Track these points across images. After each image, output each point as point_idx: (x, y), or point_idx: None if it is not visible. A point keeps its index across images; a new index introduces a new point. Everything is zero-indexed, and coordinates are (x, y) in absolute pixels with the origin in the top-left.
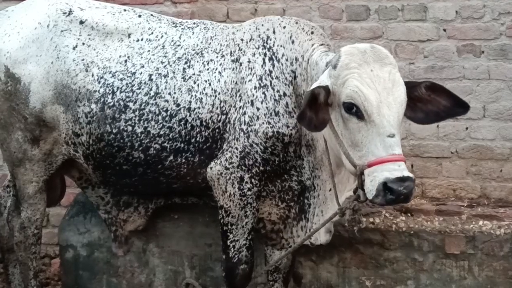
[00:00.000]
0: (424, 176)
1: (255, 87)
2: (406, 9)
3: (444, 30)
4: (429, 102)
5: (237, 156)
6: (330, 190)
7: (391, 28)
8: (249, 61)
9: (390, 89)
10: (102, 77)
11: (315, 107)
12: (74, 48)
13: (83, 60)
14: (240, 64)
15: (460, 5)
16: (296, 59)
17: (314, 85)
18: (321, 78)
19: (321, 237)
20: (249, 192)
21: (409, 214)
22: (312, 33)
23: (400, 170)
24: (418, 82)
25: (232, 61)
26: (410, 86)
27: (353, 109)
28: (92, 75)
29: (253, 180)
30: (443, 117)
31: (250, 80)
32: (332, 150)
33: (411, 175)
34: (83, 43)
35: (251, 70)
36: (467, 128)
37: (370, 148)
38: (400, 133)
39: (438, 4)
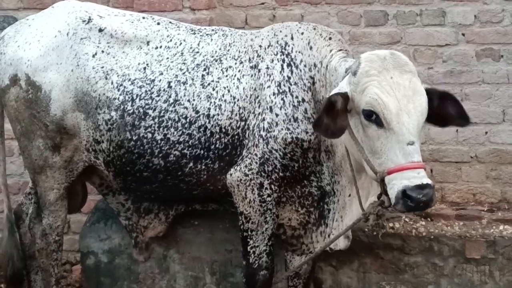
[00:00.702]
0: (444, 181)
1: (274, 93)
2: (424, 14)
3: (463, 34)
4: (439, 107)
5: (256, 163)
6: (350, 195)
7: (409, 33)
8: (267, 68)
9: (410, 97)
10: (121, 85)
11: (333, 114)
12: (93, 56)
13: (102, 67)
14: (259, 71)
15: (479, 10)
16: (315, 65)
17: (333, 92)
18: (341, 84)
19: (340, 243)
20: (268, 198)
21: (429, 219)
22: (330, 38)
23: (419, 177)
24: (435, 89)
25: (251, 67)
26: (432, 93)
27: (373, 117)
28: (112, 83)
29: (272, 186)
30: (446, 124)
31: (268, 87)
32: (352, 155)
33: (430, 182)
34: (103, 51)
35: (270, 77)
36: (486, 133)
37: (390, 156)
38: (419, 140)
39: (456, 8)
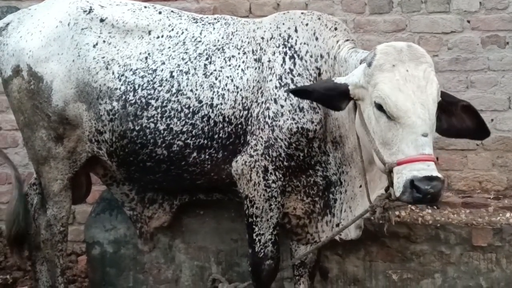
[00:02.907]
0: (450, 169)
1: (276, 87)
2: (429, 1)
3: (468, 21)
4: (454, 116)
5: (262, 144)
6: (360, 186)
7: (414, 21)
8: (269, 61)
9: (424, 86)
10: (123, 75)
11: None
12: (94, 46)
13: (103, 58)
14: (262, 64)
15: None
16: (321, 56)
17: (347, 79)
18: (356, 72)
19: (351, 233)
20: (273, 185)
21: (435, 207)
22: (335, 29)
23: (429, 170)
24: (456, 98)
25: (255, 60)
26: (450, 101)
27: (383, 108)
28: (113, 73)
29: (277, 173)
30: (462, 136)
31: (270, 80)
32: (364, 147)
33: (440, 175)
34: (104, 41)
35: (271, 70)
36: (492, 120)
37: (401, 147)
38: (433, 132)
39: None
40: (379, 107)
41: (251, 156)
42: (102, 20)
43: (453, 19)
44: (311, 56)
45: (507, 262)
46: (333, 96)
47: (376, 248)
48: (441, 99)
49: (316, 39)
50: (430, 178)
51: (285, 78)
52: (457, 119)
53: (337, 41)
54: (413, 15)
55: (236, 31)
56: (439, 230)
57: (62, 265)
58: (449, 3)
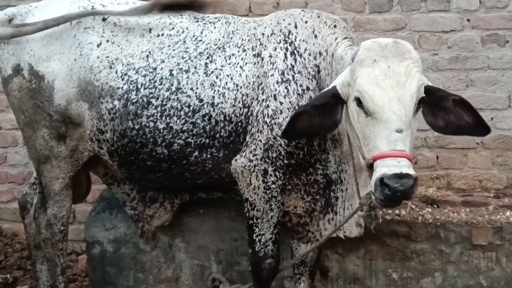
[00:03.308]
0: (450, 168)
1: (277, 82)
2: (429, 0)
3: (468, 20)
4: (452, 113)
5: (260, 148)
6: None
7: (414, 19)
8: (270, 56)
9: (403, 82)
10: (126, 74)
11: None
12: (98, 46)
13: (107, 57)
14: (262, 59)
15: None
16: (320, 54)
17: (336, 81)
18: (344, 72)
19: (354, 231)
20: (273, 186)
21: (435, 206)
22: (335, 26)
23: (399, 166)
24: (448, 92)
25: (254, 55)
26: (439, 96)
27: (362, 104)
28: (116, 72)
29: (277, 173)
30: (462, 133)
31: (272, 75)
32: (353, 144)
33: (411, 172)
34: (107, 40)
35: (273, 65)
36: (492, 119)
37: (376, 143)
38: (411, 128)
39: None
40: (358, 102)
41: (251, 161)
42: (104, 19)
43: (453, 17)
44: (309, 54)
45: (507, 261)
46: (325, 107)
47: (376, 247)
48: (424, 96)
49: (315, 36)
50: (399, 176)
51: (287, 74)
52: (454, 115)
53: (336, 39)
54: (413, 14)
55: (237, 30)
56: (439, 228)
57: (62, 264)
58: (449, 2)
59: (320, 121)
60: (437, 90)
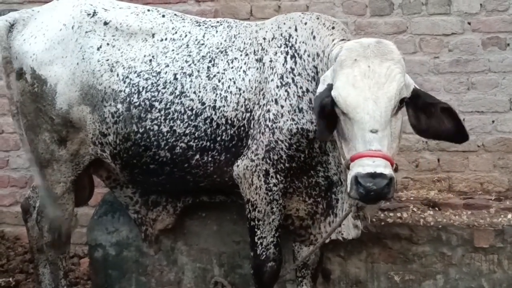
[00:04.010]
0: (451, 170)
1: (277, 86)
2: (430, 3)
3: (469, 23)
4: (433, 118)
5: (262, 149)
6: None
7: (415, 23)
8: (271, 61)
9: (382, 83)
10: (127, 77)
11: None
12: (98, 49)
13: (107, 60)
14: (263, 64)
15: None
16: (318, 55)
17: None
18: (327, 72)
19: (351, 232)
20: (275, 188)
21: (437, 208)
22: (333, 28)
23: (374, 166)
24: (437, 99)
25: (256, 60)
26: (427, 102)
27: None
28: (117, 75)
29: (278, 176)
30: (442, 138)
31: (272, 80)
32: (338, 145)
33: (386, 172)
34: (108, 44)
35: (273, 70)
36: (493, 121)
37: (354, 143)
38: (391, 129)
39: None
40: (335, 103)
41: (252, 160)
42: (106, 23)
43: (454, 21)
44: (308, 56)
45: (508, 263)
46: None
47: (378, 249)
48: (407, 97)
49: (314, 38)
50: (373, 175)
51: (286, 77)
52: (437, 120)
53: (333, 40)
54: (414, 17)
55: (239, 33)
56: (441, 231)
57: (65, 267)
58: (450, 5)
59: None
60: (425, 95)
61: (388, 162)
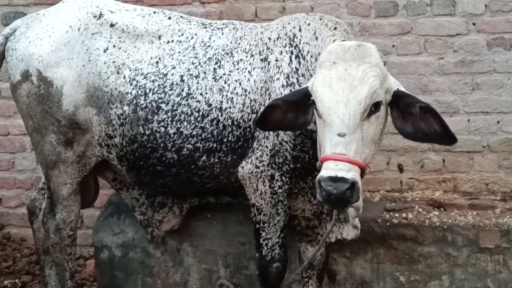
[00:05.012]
0: (456, 171)
1: (283, 86)
2: (434, 4)
3: (474, 24)
4: (422, 120)
5: (267, 155)
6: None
7: (419, 24)
8: (276, 60)
9: (355, 86)
10: (134, 79)
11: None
12: (105, 51)
13: (114, 62)
14: (269, 63)
15: None
16: (319, 55)
17: (310, 81)
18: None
19: (351, 233)
20: (280, 190)
21: (442, 209)
22: (335, 28)
23: (335, 169)
24: (416, 99)
25: (261, 60)
26: (407, 102)
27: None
28: (124, 77)
29: (283, 178)
30: (431, 140)
31: (278, 79)
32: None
33: (347, 176)
34: (114, 46)
35: (279, 69)
36: (498, 122)
37: (324, 145)
38: (358, 132)
39: None
40: (314, 104)
41: (257, 167)
42: (112, 25)
43: (459, 21)
44: (311, 56)
45: None
46: (298, 105)
47: (383, 250)
48: (380, 100)
49: (316, 38)
50: (333, 179)
51: (292, 77)
52: (423, 122)
53: (334, 40)
54: (419, 18)
55: (244, 35)
56: (446, 232)
57: (71, 269)
58: (455, 6)
59: (293, 117)
60: (405, 96)
61: (353, 166)
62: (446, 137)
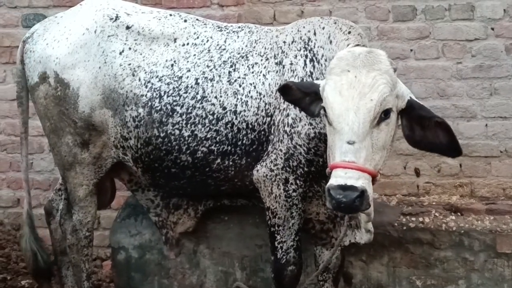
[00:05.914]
0: (473, 176)
1: None
2: (453, 9)
3: (492, 28)
4: (429, 130)
5: (281, 158)
6: None
7: (438, 28)
8: (291, 63)
9: (365, 94)
10: (149, 82)
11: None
12: (120, 53)
13: (129, 64)
14: (283, 67)
15: (508, 4)
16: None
17: (322, 81)
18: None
19: (364, 237)
20: (294, 194)
21: (459, 214)
22: (349, 32)
23: (345, 177)
24: (431, 113)
25: (276, 63)
26: (422, 115)
27: (326, 112)
28: (139, 80)
29: (298, 182)
30: (434, 151)
31: None
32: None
33: (357, 184)
34: (130, 48)
35: (293, 72)
36: None
37: (334, 152)
38: (368, 140)
39: (485, 2)
40: (324, 111)
41: (272, 170)
42: (128, 28)
43: (477, 26)
44: (325, 60)
45: None
46: (310, 97)
47: (400, 254)
48: (390, 107)
49: (330, 42)
50: (343, 187)
51: (306, 81)
52: (432, 133)
53: (348, 45)
54: (437, 23)
55: (260, 39)
56: (463, 236)
57: (87, 269)
58: (473, 11)
59: (306, 104)
60: (420, 108)
61: (362, 174)
62: (452, 150)
